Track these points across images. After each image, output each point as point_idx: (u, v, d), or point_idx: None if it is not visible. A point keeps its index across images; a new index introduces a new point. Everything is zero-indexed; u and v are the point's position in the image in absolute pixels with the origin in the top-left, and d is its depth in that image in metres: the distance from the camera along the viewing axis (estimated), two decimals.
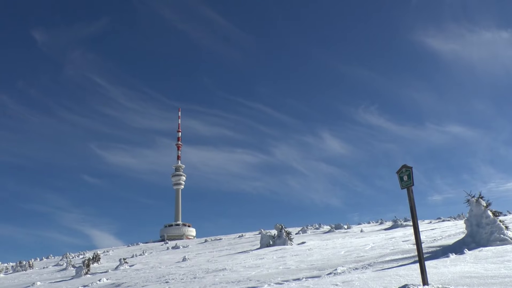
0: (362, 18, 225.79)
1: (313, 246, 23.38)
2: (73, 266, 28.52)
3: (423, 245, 13.69)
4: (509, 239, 12.39)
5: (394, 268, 10.39)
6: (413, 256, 11.83)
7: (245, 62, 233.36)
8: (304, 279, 10.64)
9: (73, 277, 21.78)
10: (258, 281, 11.42)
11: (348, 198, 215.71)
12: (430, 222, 43.40)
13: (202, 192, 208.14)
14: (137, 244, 70.77)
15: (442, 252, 12.45)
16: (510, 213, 45.26)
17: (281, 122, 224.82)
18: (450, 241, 15.12)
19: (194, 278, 14.30)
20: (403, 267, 10.43)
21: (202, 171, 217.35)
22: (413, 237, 8.86)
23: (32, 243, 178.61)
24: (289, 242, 25.90)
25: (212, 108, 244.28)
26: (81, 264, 23.35)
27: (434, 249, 13.77)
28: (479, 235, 12.80)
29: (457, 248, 12.41)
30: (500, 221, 13.10)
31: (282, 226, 27.08)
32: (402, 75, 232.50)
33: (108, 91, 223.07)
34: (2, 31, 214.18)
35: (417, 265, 7.83)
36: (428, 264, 9.43)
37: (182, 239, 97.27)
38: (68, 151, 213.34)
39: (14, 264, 39.77)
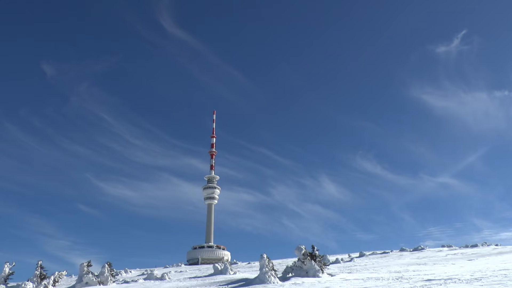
0: (363, 72, 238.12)
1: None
2: None
3: None
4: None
5: None
6: None
7: (249, 107, 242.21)
8: None
9: None
10: None
11: (343, 241, 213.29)
12: None
13: None
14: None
15: None
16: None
17: (282, 165, 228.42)
18: None
19: None
20: None
21: None
22: None
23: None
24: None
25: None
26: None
27: None
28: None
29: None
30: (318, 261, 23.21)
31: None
32: (400, 128, 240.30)
33: (112, 126, 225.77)
34: (13, 62, 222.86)
35: None
36: None
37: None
38: (67, 180, 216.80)
39: None
